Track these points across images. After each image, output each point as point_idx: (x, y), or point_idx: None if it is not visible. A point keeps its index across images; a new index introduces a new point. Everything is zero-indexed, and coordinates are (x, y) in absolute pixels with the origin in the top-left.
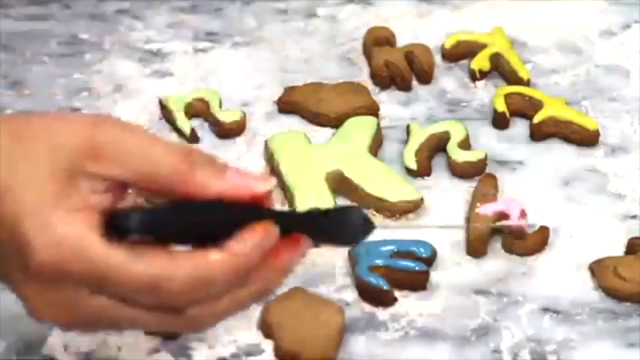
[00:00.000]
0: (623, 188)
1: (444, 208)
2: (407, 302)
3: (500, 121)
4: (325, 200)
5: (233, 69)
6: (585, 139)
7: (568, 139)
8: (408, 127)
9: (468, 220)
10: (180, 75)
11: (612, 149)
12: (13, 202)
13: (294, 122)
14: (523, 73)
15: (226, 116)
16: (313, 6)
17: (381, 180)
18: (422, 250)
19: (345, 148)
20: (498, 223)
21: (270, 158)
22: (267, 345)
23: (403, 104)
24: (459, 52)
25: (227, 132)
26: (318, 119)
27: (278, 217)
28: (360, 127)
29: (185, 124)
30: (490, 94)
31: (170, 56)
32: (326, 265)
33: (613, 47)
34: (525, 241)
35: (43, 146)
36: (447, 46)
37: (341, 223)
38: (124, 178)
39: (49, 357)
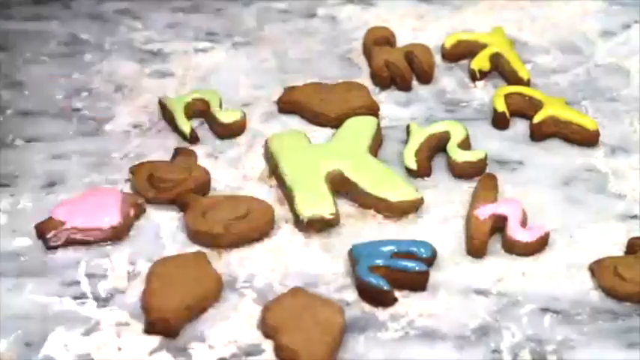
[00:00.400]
0: (623, 188)
1: (444, 208)
2: (407, 302)
3: (500, 121)
4: (325, 200)
5: (233, 69)
6: (585, 139)
7: (568, 139)
8: (408, 127)
9: (468, 220)
10: (180, 75)
11: (612, 149)
12: None
13: (294, 122)
14: (523, 73)
15: (226, 116)
16: (313, 6)
17: (381, 180)
18: (422, 250)
19: (345, 148)
20: None
21: (270, 158)
22: (267, 345)
23: (403, 104)
24: (459, 52)
25: (227, 132)
26: (318, 119)
27: None
28: (360, 127)
29: (185, 124)
30: (490, 94)
31: (170, 56)
32: (326, 265)
33: (613, 47)
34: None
35: None
36: (447, 46)
37: None
38: None
39: (49, 357)
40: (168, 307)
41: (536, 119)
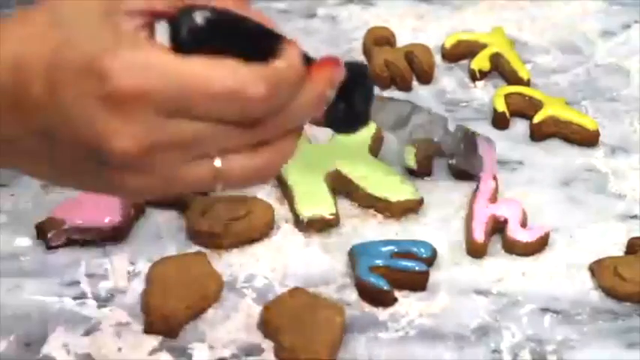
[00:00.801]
0: (623, 188)
1: (444, 208)
2: (407, 302)
3: (500, 121)
4: (325, 200)
5: None
6: (585, 139)
7: (568, 139)
8: None
9: (468, 220)
10: None
11: (612, 149)
12: (75, 48)
13: None
14: (523, 73)
15: None
16: (313, 6)
17: (381, 180)
18: (422, 250)
19: (345, 148)
20: None
21: None
22: (267, 345)
23: None
24: (459, 52)
25: None
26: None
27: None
28: None
29: None
30: (490, 94)
31: None
32: (326, 265)
33: (613, 47)
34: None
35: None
36: (447, 46)
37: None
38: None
39: (49, 357)
40: (168, 307)
41: (536, 119)
